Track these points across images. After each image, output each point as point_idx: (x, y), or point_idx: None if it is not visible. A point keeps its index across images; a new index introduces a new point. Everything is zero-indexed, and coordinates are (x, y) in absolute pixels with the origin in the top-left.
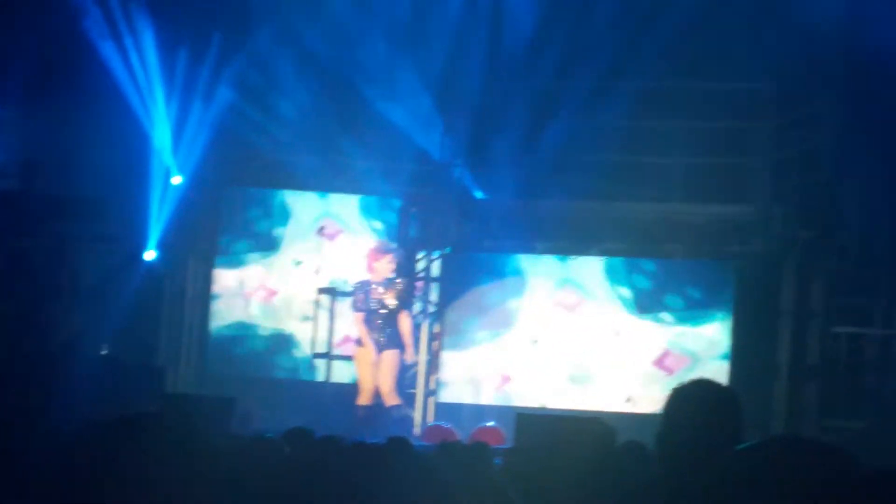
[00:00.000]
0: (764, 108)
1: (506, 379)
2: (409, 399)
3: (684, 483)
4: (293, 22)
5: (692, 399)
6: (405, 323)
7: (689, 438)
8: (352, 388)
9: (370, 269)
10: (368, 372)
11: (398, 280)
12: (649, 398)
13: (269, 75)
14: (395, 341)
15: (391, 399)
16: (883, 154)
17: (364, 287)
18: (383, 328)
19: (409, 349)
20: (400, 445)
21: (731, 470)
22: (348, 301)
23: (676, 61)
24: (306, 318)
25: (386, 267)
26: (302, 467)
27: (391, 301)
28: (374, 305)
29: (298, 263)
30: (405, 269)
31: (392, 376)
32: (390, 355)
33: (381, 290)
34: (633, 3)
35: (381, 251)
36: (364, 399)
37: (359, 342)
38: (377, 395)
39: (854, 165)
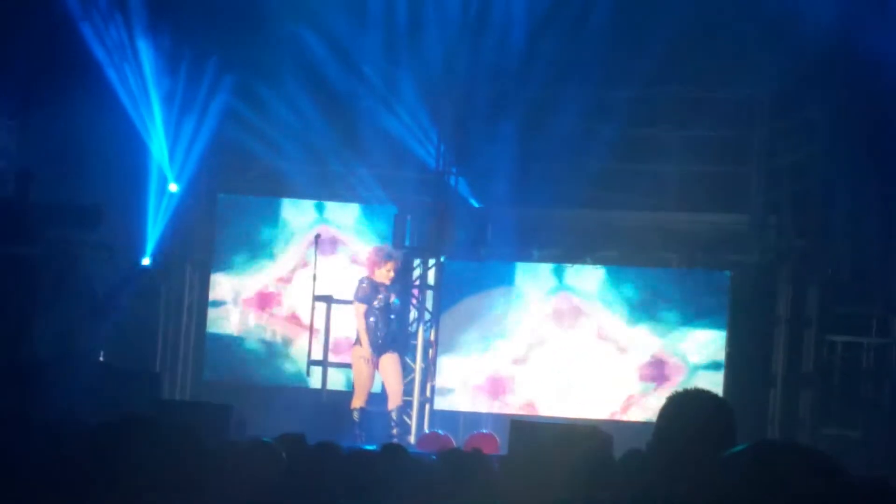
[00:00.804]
0: (757, 116)
1: (501, 386)
2: (404, 406)
3: (677, 491)
4: (291, 31)
5: (686, 408)
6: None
7: (682, 447)
8: (348, 396)
9: (371, 274)
10: (364, 371)
11: (392, 287)
12: (644, 407)
13: (266, 84)
14: (394, 342)
15: (397, 400)
16: (875, 162)
17: (371, 281)
18: (383, 327)
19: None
20: (396, 453)
21: (719, 475)
22: (346, 307)
23: (670, 70)
24: (302, 326)
25: (386, 275)
26: (299, 473)
27: (394, 300)
28: (378, 302)
29: (295, 271)
30: (402, 277)
31: (399, 375)
32: (393, 356)
33: (385, 288)
34: (627, 11)
35: (382, 258)
36: (359, 401)
37: (357, 341)
38: (378, 396)
39: (847, 173)
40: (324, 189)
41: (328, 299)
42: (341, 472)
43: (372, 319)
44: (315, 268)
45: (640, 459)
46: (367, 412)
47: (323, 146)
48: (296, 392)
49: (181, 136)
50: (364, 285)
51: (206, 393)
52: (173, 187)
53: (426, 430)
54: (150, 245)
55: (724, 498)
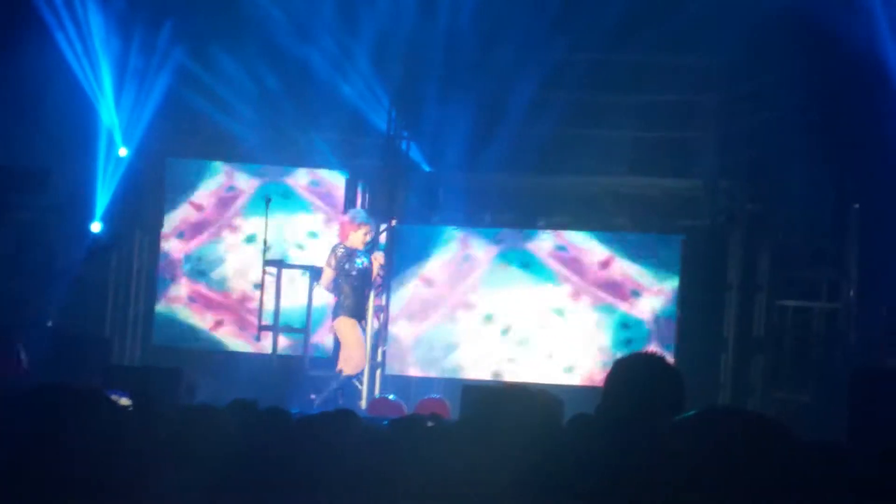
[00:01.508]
0: (711, 82)
1: (453, 351)
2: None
3: (625, 455)
4: None
5: (634, 372)
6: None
7: (630, 412)
8: (297, 361)
9: (344, 238)
10: (355, 337)
11: (378, 252)
12: (595, 370)
13: (217, 46)
14: (362, 309)
15: (362, 365)
16: (827, 128)
17: (346, 248)
18: (360, 293)
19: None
20: (347, 418)
21: (669, 440)
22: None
23: (624, 35)
24: (254, 289)
25: (360, 238)
26: (248, 438)
27: (369, 268)
28: (353, 270)
29: (247, 238)
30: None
31: (364, 345)
32: (363, 324)
33: (361, 256)
34: None
35: (355, 222)
36: (354, 367)
37: (338, 311)
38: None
39: (800, 139)
40: (274, 154)
41: (279, 263)
42: (290, 438)
43: (347, 287)
44: (266, 232)
45: (588, 424)
46: (323, 378)
47: (274, 110)
48: (246, 357)
49: (130, 99)
50: (339, 252)
51: (155, 358)
52: (122, 151)
53: (377, 394)
54: (100, 210)
55: (672, 463)
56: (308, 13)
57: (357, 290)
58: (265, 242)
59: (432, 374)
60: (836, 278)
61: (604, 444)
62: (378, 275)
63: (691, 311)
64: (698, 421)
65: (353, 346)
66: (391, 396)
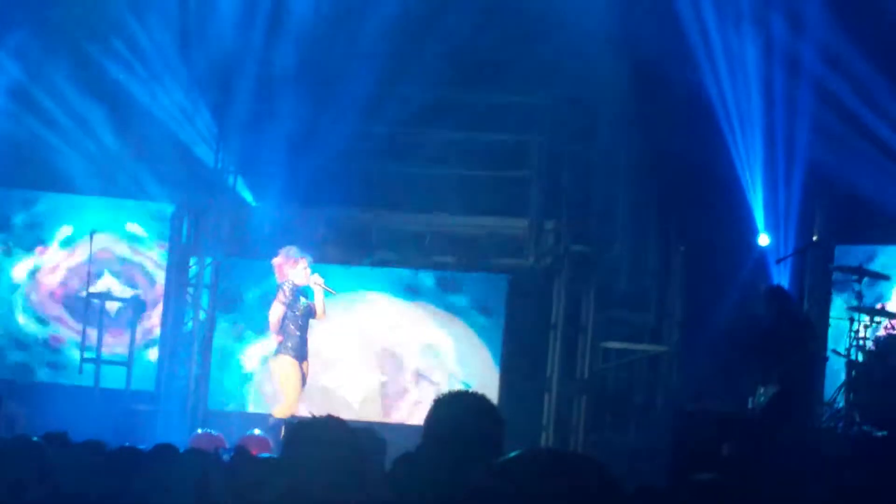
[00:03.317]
0: (539, 121)
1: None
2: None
3: (442, 496)
4: (61, 19)
5: (453, 410)
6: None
7: (450, 451)
8: (121, 394)
9: (282, 277)
10: (294, 378)
11: (314, 275)
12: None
13: (37, 73)
14: (305, 350)
15: (295, 410)
16: (652, 169)
17: (294, 285)
18: (300, 334)
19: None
20: (165, 452)
21: (486, 483)
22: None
23: (453, 72)
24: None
25: (302, 273)
26: (63, 469)
27: (312, 306)
28: (298, 310)
29: (66, 268)
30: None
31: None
32: (305, 365)
33: (304, 295)
34: (408, 10)
35: (292, 257)
36: (288, 410)
37: (281, 348)
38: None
39: (626, 181)
40: (97, 184)
41: (102, 296)
42: (106, 471)
43: (292, 326)
44: (89, 265)
45: (410, 463)
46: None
47: (96, 139)
48: (68, 390)
49: None
50: (287, 290)
51: None
52: None
53: (199, 430)
54: None
55: None
56: (133, 37)
57: (302, 329)
58: (88, 274)
59: (254, 409)
60: (658, 322)
61: (426, 486)
62: (322, 300)
63: (515, 350)
64: (524, 462)
65: (290, 390)
66: (214, 432)
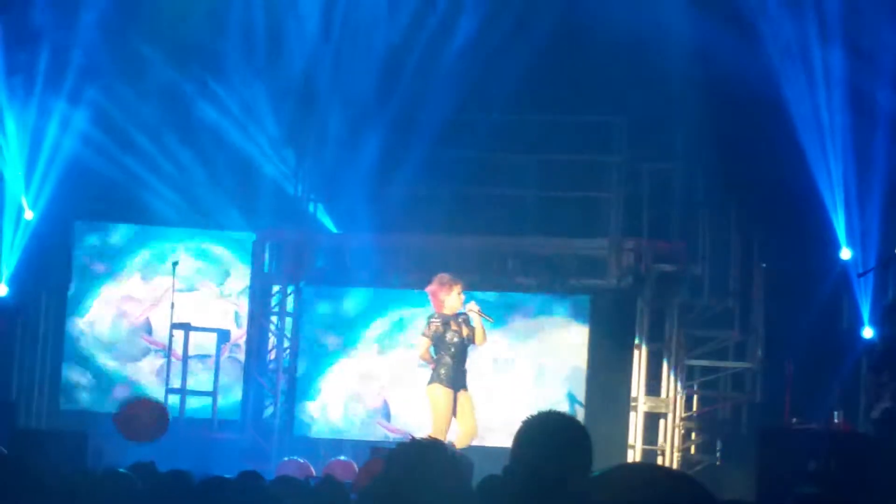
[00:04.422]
0: (616, 140)
1: (365, 412)
2: (266, 433)
3: None
4: (150, 55)
5: (542, 430)
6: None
7: (540, 470)
8: (205, 424)
9: (439, 305)
10: (444, 409)
11: (470, 302)
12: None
13: (122, 108)
14: (462, 379)
15: (472, 437)
16: (731, 186)
17: (443, 316)
18: (453, 363)
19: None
20: (250, 481)
21: (586, 497)
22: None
23: (528, 94)
24: (158, 354)
25: (457, 299)
26: (151, 499)
27: (468, 335)
28: (453, 339)
29: (153, 299)
30: (260, 303)
31: (474, 412)
32: (467, 394)
33: (457, 324)
34: (487, 35)
35: (447, 283)
36: (437, 435)
37: (433, 377)
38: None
39: (706, 197)
40: (182, 215)
41: (186, 327)
42: (194, 500)
43: (446, 356)
44: (173, 295)
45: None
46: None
47: (180, 171)
48: None
49: (38, 163)
50: (435, 324)
51: (61, 421)
52: (29, 215)
53: (285, 458)
54: (6, 273)
55: None
56: (215, 71)
57: (457, 357)
58: (172, 306)
59: (343, 435)
60: (742, 338)
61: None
62: (481, 327)
63: (599, 370)
64: (620, 477)
65: (437, 418)
66: (300, 458)
